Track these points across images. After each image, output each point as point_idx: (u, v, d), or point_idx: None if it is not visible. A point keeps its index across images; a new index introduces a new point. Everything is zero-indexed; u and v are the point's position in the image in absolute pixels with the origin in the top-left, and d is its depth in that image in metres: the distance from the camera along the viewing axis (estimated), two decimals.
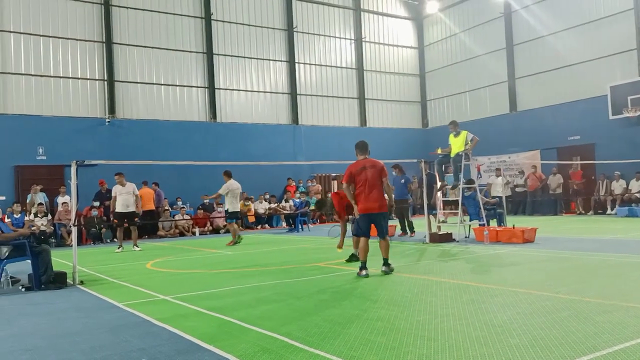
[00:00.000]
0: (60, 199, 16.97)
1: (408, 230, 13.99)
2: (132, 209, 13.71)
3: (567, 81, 21.74)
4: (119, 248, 13.52)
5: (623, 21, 19.95)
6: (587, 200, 20.25)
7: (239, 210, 14.72)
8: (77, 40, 19.63)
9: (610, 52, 20.36)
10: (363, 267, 7.69)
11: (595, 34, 20.85)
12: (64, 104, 19.27)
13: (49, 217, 16.38)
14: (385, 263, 7.79)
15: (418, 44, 28.40)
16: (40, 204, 16.32)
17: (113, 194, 13.81)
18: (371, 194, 7.78)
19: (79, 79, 19.62)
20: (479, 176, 16.07)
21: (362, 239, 7.89)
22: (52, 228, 16.31)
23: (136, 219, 14.27)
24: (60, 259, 10.84)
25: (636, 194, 18.64)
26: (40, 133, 18.41)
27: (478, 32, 25.39)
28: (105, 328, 5.18)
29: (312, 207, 20.25)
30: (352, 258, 9.06)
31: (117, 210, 13.63)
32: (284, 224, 20.55)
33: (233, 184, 14.04)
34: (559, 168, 20.69)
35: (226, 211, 14.32)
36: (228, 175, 14.12)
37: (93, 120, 19.58)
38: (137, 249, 13.47)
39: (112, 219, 14.82)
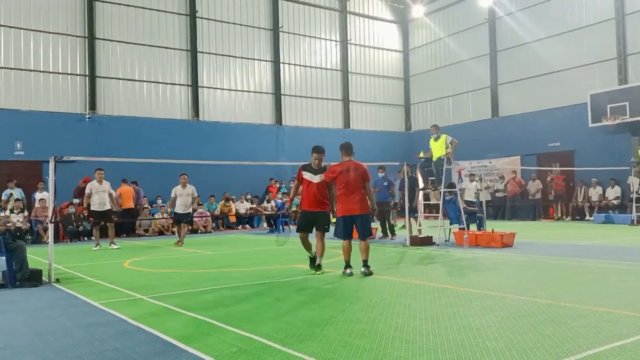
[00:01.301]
0: (37, 195, 16.69)
1: (389, 233, 14.03)
2: (108, 207, 13.63)
3: (548, 88, 22.03)
4: (96, 246, 13.33)
5: (604, 31, 20.28)
6: (566, 205, 20.56)
7: None
8: (58, 34, 19.34)
9: (591, 60, 20.69)
10: (347, 266, 7.87)
11: (577, 43, 21.17)
12: (44, 99, 18.96)
13: (25, 213, 16.08)
14: (365, 265, 7.81)
15: (403, 48, 28.55)
16: (18, 199, 16.02)
17: (88, 191, 13.57)
18: (352, 196, 7.78)
19: (59, 73, 19.32)
20: (460, 181, 16.20)
21: (344, 241, 7.92)
22: (29, 224, 16.02)
23: (113, 217, 14.14)
24: (36, 256, 10.66)
25: (613, 201, 18.96)
26: (18, 128, 18.08)
27: (462, 37, 25.62)
28: (80, 327, 5.09)
29: (294, 208, 20.18)
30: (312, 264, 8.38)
31: (93, 208, 13.46)
32: (265, 225, 20.47)
33: None
34: (538, 174, 20.96)
35: (191, 213, 14.79)
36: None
37: (73, 115, 19.29)
38: (114, 246, 13.31)
39: (86, 216, 14.61)
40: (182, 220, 14.47)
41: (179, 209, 14.31)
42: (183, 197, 14.28)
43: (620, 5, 19.74)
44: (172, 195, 14.42)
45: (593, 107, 19.68)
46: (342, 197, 7.83)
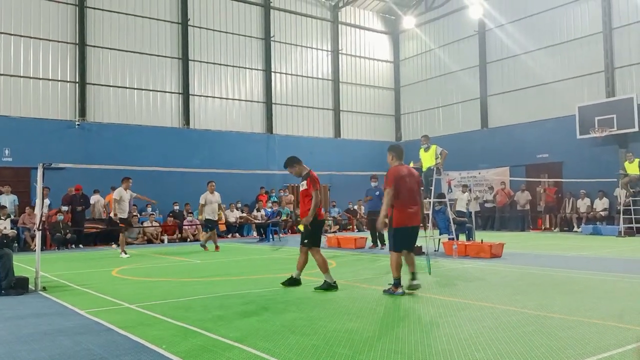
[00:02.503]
0: (45, 201, 16.52)
1: (379, 243, 14.04)
2: (127, 214, 13.79)
3: (537, 100, 22.25)
4: (124, 253, 13.14)
5: (592, 44, 20.54)
6: (555, 216, 20.70)
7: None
8: (49, 40, 19.26)
9: (579, 73, 20.92)
10: (399, 284, 6.96)
11: (565, 55, 21.43)
12: (33, 105, 18.83)
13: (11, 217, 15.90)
14: (414, 277, 7.03)
15: (393, 58, 28.74)
16: (4, 206, 15.85)
17: (117, 197, 13.48)
18: (414, 205, 7.06)
19: (49, 80, 19.22)
20: (450, 191, 16.29)
21: (399, 254, 7.01)
22: (15, 232, 15.83)
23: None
24: (22, 264, 10.55)
25: (600, 213, 19.12)
26: (7, 134, 17.94)
27: (452, 48, 25.84)
28: (66, 336, 5.04)
29: (284, 217, 20.17)
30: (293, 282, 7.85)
31: (121, 215, 13.50)
32: (255, 234, 20.40)
33: None
34: (527, 185, 21.10)
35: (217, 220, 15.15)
36: None
37: (62, 122, 19.17)
38: (116, 247, 13.28)
39: (119, 222, 14.22)
40: (214, 227, 14.69)
41: (209, 215, 14.46)
42: (213, 204, 14.39)
43: (608, 19, 20.03)
44: (202, 202, 14.50)
45: (581, 119, 19.89)
46: (403, 206, 6.96)
